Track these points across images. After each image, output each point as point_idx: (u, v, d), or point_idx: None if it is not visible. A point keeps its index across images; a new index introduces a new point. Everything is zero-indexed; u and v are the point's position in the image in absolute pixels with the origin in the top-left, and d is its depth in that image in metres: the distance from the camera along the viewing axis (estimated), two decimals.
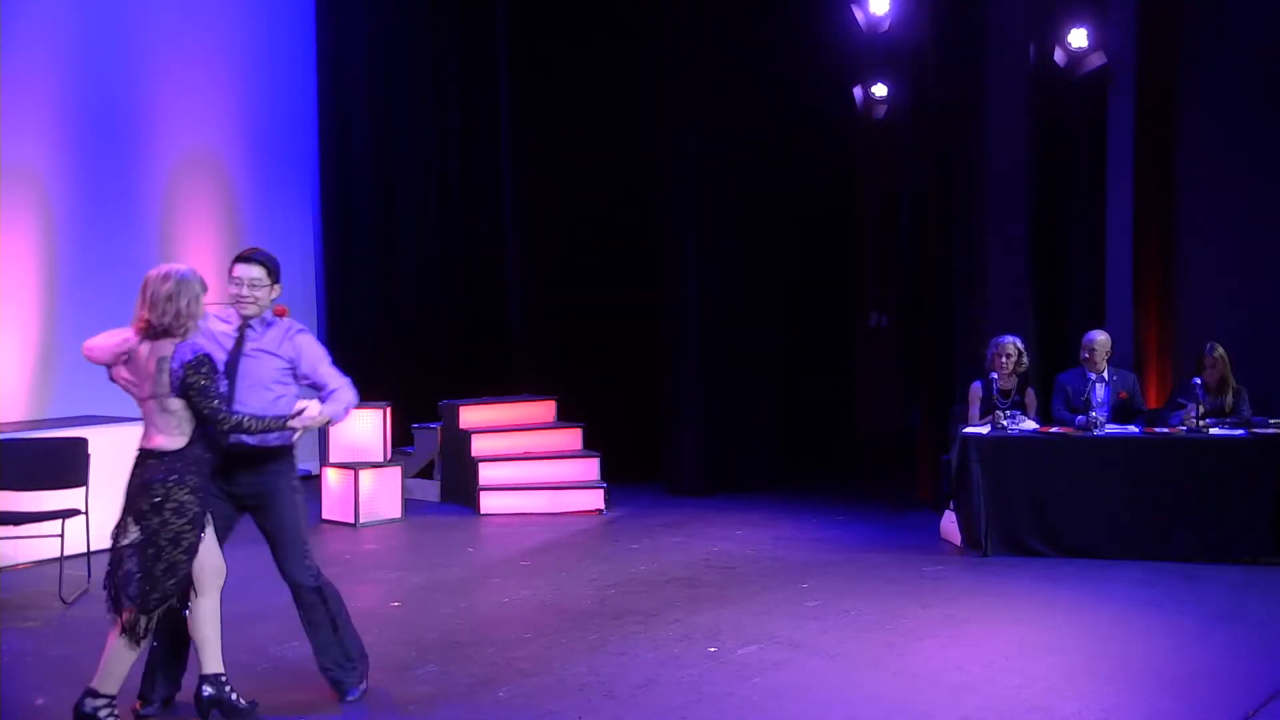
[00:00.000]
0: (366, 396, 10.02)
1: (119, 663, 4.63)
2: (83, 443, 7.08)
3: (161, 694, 4.97)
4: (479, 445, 9.76)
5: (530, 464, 9.76)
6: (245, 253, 5.00)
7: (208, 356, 4.58)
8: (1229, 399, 8.21)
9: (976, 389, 8.47)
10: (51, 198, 9.50)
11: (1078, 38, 9.47)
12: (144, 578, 4.55)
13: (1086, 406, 8.03)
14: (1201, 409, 7.85)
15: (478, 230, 11.93)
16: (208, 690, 4.77)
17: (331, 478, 9.18)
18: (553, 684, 5.32)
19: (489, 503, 9.46)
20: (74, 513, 6.83)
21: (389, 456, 9.37)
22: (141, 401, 4.63)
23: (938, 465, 8.93)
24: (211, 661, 4.79)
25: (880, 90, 11.85)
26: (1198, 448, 7.67)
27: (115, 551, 4.65)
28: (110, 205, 9.84)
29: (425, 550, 8.34)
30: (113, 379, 4.78)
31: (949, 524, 8.15)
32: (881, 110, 12.01)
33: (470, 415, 9.99)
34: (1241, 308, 9.11)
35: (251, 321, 4.93)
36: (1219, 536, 7.51)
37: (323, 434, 9.98)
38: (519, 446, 9.96)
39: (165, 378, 4.52)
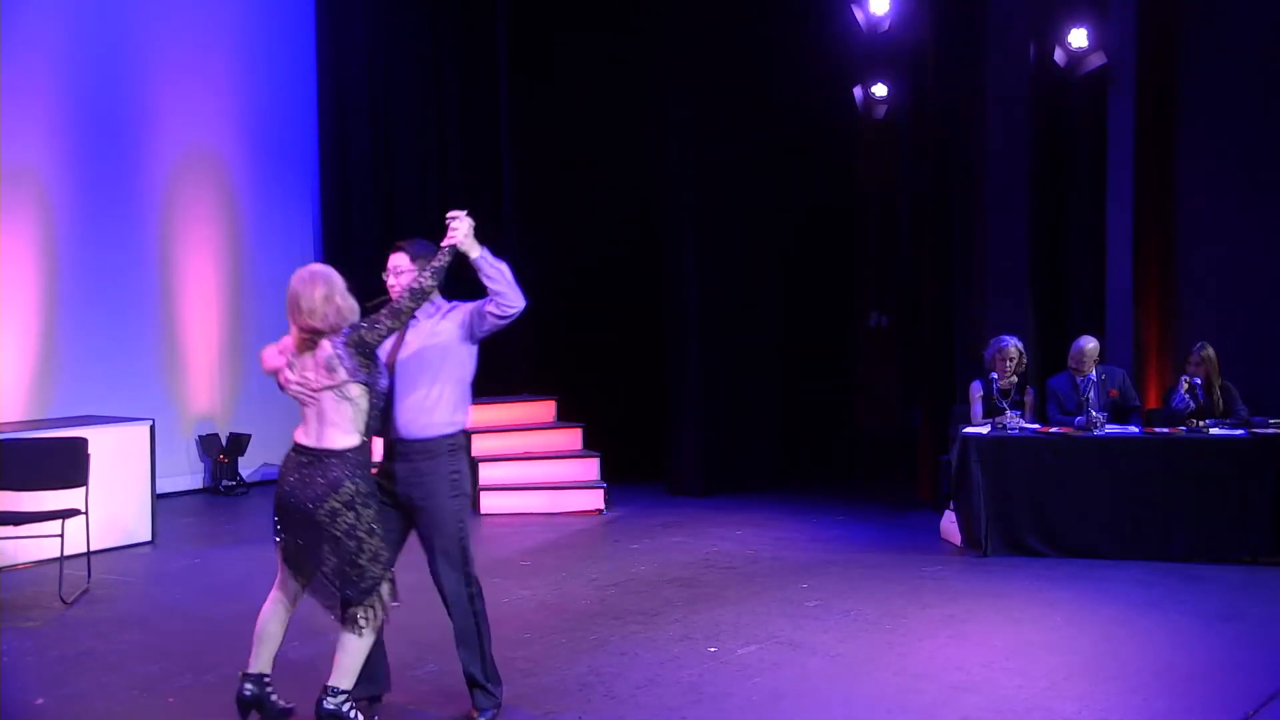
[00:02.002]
0: None
1: (356, 657, 4.68)
2: (83, 443, 7.08)
3: (365, 693, 4.93)
4: (479, 445, 9.76)
5: (530, 464, 9.77)
6: (397, 243, 5.02)
7: (353, 323, 4.61)
8: (1218, 398, 8.21)
9: (977, 388, 8.47)
10: (51, 198, 9.51)
11: (1078, 38, 9.47)
12: (353, 570, 4.62)
13: (1080, 409, 8.03)
14: (1195, 407, 7.86)
15: (477, 230, 11.90)
16: (249, 689, 4.75)
17: None
18: (553, 684, 5.32)
19: (489, 503, 9.46)
20: (74, 513, 6.82)
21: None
22: (313, 401, 4.63)
23: (938, 465, 8.93)
24: (264, 662, 4.78)
25: (880, 90, 11.85)
26: (1198, 448, 7.67)
27: (309, 560, 4.68)
28: (110, 205, 9.85)
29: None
30: (282, 388, 4.81)
31: (949, 524, 8.15)
32: (881, 110, 12.02)
33: (472, 415, 9.97)
34: (1241, 308, 9.11)
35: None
36: (1219, 536, 7.51)
37: None
38: (519, 446, 9.97)
39: (340, 367, 4.54)
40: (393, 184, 11.43)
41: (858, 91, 11.66)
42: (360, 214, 11.21)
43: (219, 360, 10.56)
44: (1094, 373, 8.21)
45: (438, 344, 4.88)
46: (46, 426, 7.98)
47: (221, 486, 10.18)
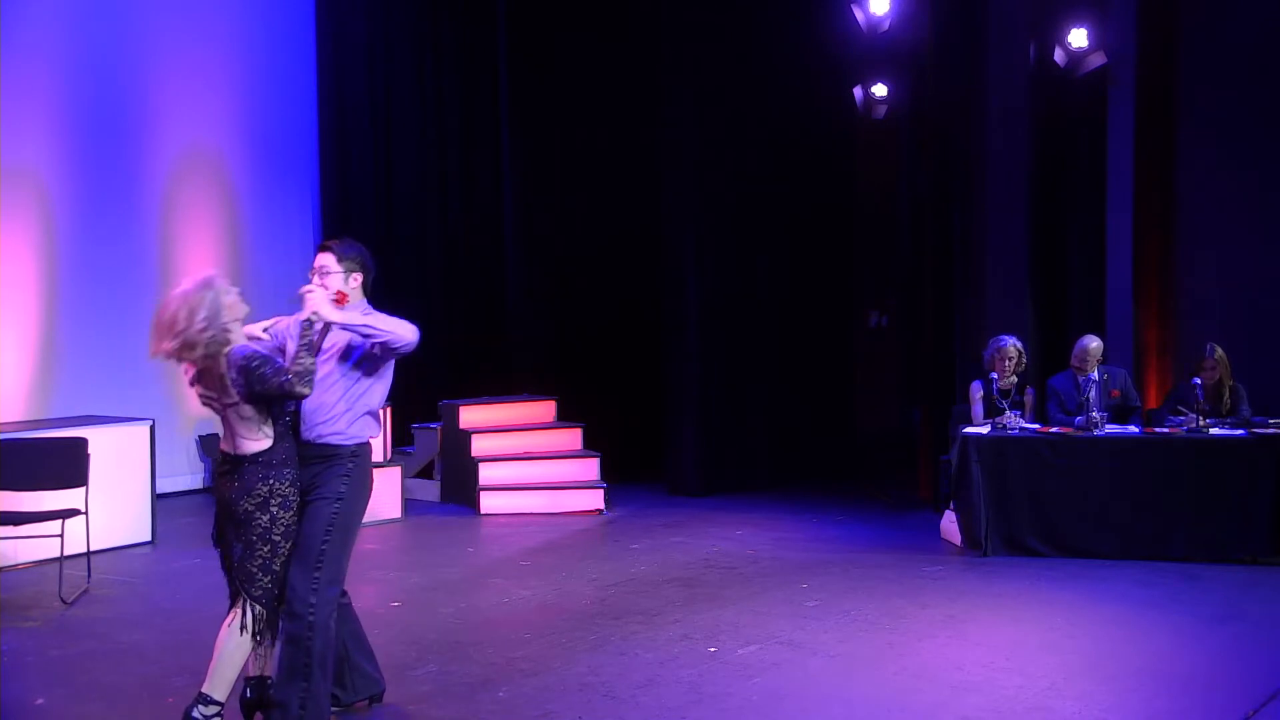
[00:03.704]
0: None
1: (232, 664, 4.61)
2: (83, 443, 7.08)
3: (366, 693, 4.97)
4: (479, 445, 9.76)
5: (530, 464, 9.76)
6: (324, 242, 4.90)
7: (254, 353, 4.47)
8: (1226, 399, 8.21)
9: (977, 389, 8.48)
10: (52, 198, 9.51)
11: (1078, 37, 9.47)
12: (265, 576, 4.57)
13: (1081, 409, 8.03)
14: (1201, 408, 7.85)
15: (477, 230, 11.93)
16: (250, 693, 4.71)
17: None
18: (553, 684, 5.32)
19: (489, 503, 9.46)
20: (74, 513, 6.82)
21: (389, 456, 9.37)
22: (220, 412, 4.56)
23: (938, 465, 8.93)
24: (261, 663, 4.73)
25: (880, 90, 11.85)
26: (1198, 448, 7.67)
27: (225, 558, 4.73)
28: (110, 205, 9.85)
29: (425, 550, 8.34)
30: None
31: (949, 524, 8.15)
32: (881, 110, 12.01)
33: (470, 415, 9.99)
34: (1241, 308, 9.12)
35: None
36: (1219, 536, 7.51)
37: None
38: (519, 446, 9.96)
39: (231, 389, 4.45)
40: (393, 184, 11.43)
41: (858, 91, 11.65)
42: (360, 214, 11.21)
43: None
44: (1096, 373, 8.21)
45: (350, 340, 4.72)
46: (46, 426, 7.98)
47: None
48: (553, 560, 7.87)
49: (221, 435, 4.68)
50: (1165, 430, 7.92)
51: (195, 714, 4.52)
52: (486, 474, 9.59)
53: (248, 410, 4.48)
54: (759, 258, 10.56)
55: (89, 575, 7.03)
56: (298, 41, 10.97)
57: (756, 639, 5.94)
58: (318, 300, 4.56)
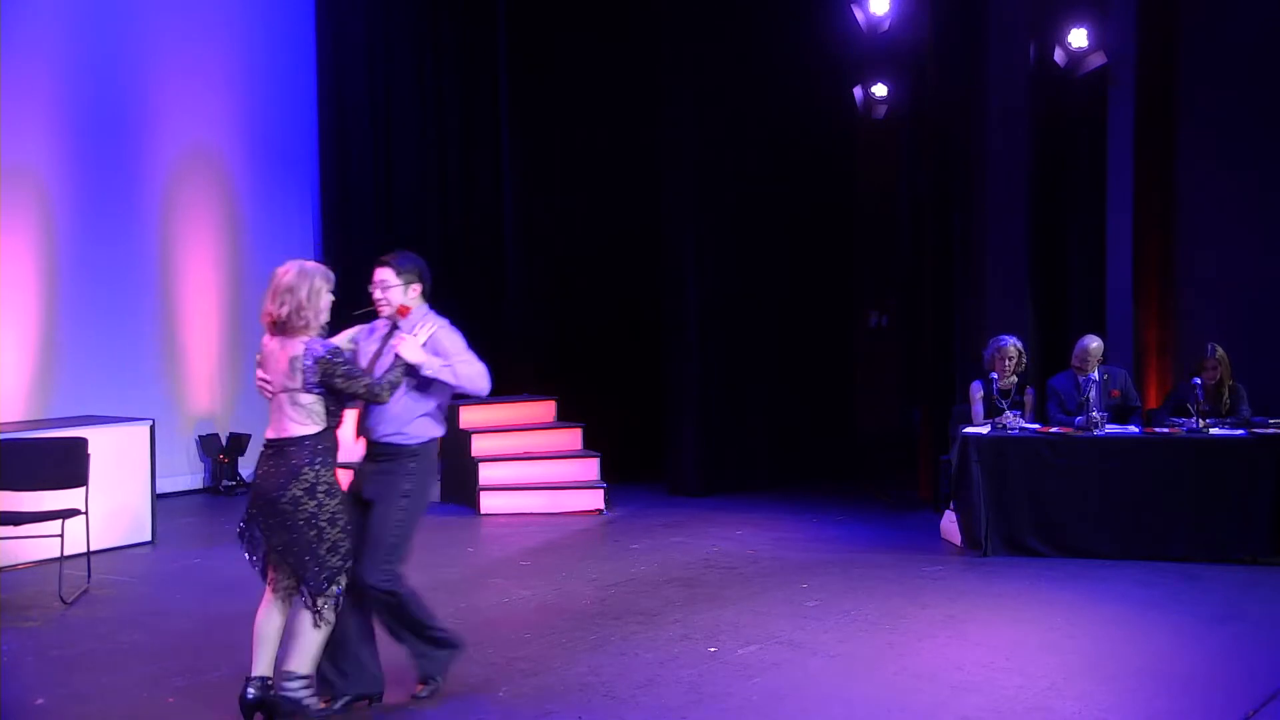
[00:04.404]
0: None
1: (312, 645, 4.69)
2: (83, 443, 7.08)
3: (365, 690, 5.02)
4: (479, 445, 9.76)
5: (530, 464, 9.76)
6: (382, 257, 5.12)
7: (338, 348, 4.75)
8: (1227, 399, 8.21)
9: (977, 388, 8.48)
10: (51, 198, 9.51)
11: (1078, 38, 9.47)
12: (312, 560, 4.63)
13: (1081, 409, 8.03)
14: (1201, 409, 7.86)
15: (477, 230, 11.92)
16: (253, 692, 4.71)
17: None
18: (553, 684, 5.32)
19: (489, 503, 9.46)
20: (74, 513, 6.82)
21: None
22: (270, 397, 4.72)
23: (938, 465, 8.93)
24: (265, 664, 4.75)
25: (880, 90, 11.84)
26: (1198, 448, 7.67)
27: (260, 546, 4.71)
28: (110, 205, 9.85)
29: (425, 550, 8.27)
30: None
31: (949, 524, 8.15)
32: (881, 110, 12.00)
33: (470, 415, 9.99)
34: (1242, 307, 9.12)
35: (398, 322, 5.04)
36: (1219, 536, 7.51)
37: None
38: (519, 446, 9.96)
39: (299, 375, 4.62)
40: (393, 184, 11.42)
41: (858, 91, 11.65)
42: (360, 214, 11.21)
43: (219, 360, 10.56)
44: (1096, 373, 8.20)
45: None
46: (46, 426, 7.97)
47: (221, 486, 10.18)
48: (553, 560, 7.87)
49: (269, 422, 4.76)
50: (1165, 430, 7.92)
51: (285, 689, 4.65)
52: (486, 474, 9.59)
53: (306, 399, 4.65)
54: (759, 258, 10.56)
55: (89, 575, 7.03)
56: (298, 41, 10.97)
57: (756, 639, 5.94)
58: (410, 351, 4.87)
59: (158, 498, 8.42)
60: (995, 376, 8.29)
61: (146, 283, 10.12)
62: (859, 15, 9.77)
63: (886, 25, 9.78)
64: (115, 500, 7.91)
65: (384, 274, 5.02)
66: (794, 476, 10.53)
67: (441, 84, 11.68)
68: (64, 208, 9.57)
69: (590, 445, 10.04)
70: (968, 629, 6.14)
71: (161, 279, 10.23)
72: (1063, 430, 7.93)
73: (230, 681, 5.30)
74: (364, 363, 4.96)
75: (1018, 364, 8.37)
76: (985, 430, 7.98)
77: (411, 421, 4.96)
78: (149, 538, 8.22)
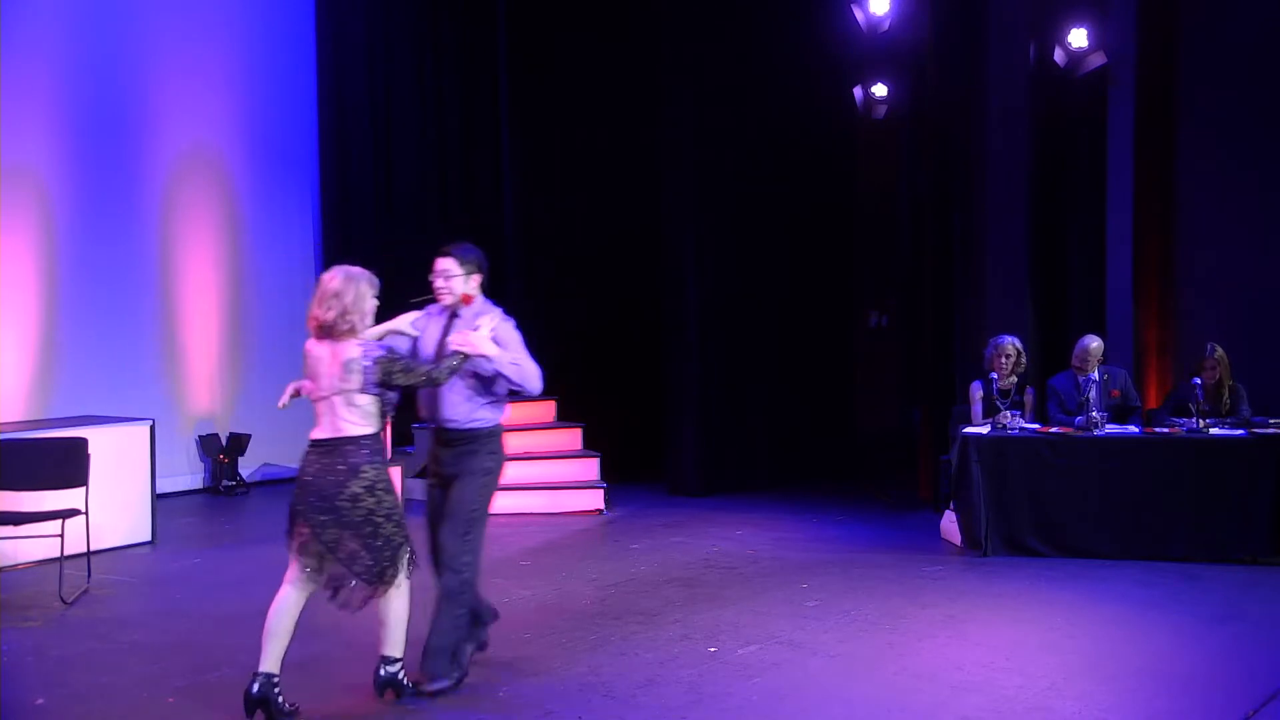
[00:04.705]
0: None
1: (398, 626, 4.96)
2: (83, 443, 7.08)
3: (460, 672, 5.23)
4: None
5: (530, 464, 9.76)
6: (445, 248, 5.33)
7: (392, 348, 5.01)
8: (1226, 399, 8.21)
9: (976, 389, 8.48)
10: (52, 198, 9.51)
11: (1078, 38, 9.47)
12: (366, 553, 4.80)
13: (1081, 409, 8.03)
14: (1201, 409, 7.86)
15: (477, 230, 11.89)
16: (257, 688, 4.81)
17: None
18: (553, 684, 5.32)
19: None
20: (74, 513, 6.82)
21: (389, 456, 9.31)
22: (322, 398, 4.87)
23: (938, 465, 8.93)
24: (272, 660, 4.85)
25: (880, 90, 11.85)
26: (1198, 448, 7.67)
27: (319, 540, 4.81)
28: (110, 205, 9.86)
29: (425, 551, 8.32)
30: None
31: (949, 524, 8.15)
32: (881, 110, 12.01)
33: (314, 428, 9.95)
34: (1242, 308, 9.12)
35: (458, 310, 5.27)
36: (1219, 536, 7.51)
37: None
38: (519, 446, 9.94)
39: (357, 376, 4.79)
40: (393, 184, 11.43)
41: (858, 91, 11.66)
42: (360, 214, 11.22)
43: (219, 360, 10.56)
44: (1096, 373, 8.20)
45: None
46: (46, 426, 7.98)
47: (221, 486, 10.18)
48: (553, 560, 7.86)
49: (317, 423, 4.90)
50: (1165, 430, 7.92)
51: (384, 672, 4.96)
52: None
53: (363, 399, 4.82)
54: (759, 258, 10.56)
55: (89, 575, 7.03)
56: (298, 41, 10.97)
57: (756, 639, 5.94)
58: (481, 343, 5.05)
59: (158, 498, 8.42)
60: (995, 376, 8.29)
61: (146, 283, 10.12)
62: (859, 15, 9.77)
63: (886, 25, 9.78)
64: (115, 500, 7.91)
65: (447, 264, 5.22)
66: (794, 476, 10.54)
67: (441, 84, 11.68)
68: (64, 208, 9.58)
69: (590, 445, 10.04)
70: (968, 629, 6.14)
71: (161, 279, 10.23)
72: (1063, 430, 7.93)
73: (230, 681, 5.31)
74: (429, 347, 5.22)
75: (1016, 363, 8.37)
76: (985, 430, 7.98)
77: (481, 407, 5.23)
78: (149, 538, 8.22)
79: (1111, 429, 7.93)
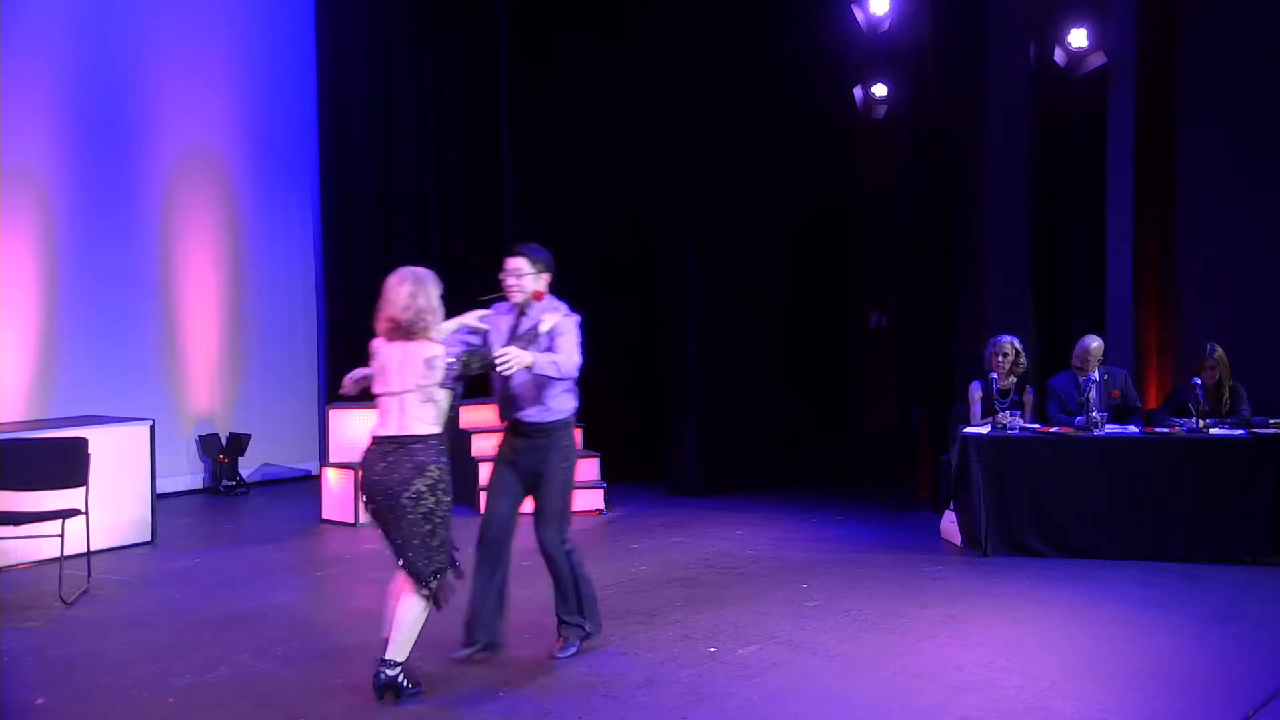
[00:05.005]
0: (366, 396, 10.09)
1: (409, 631, 5.07)
2: (83, 443, 7.08)
3: (483, 639, 5.56)
4: (479, 445, 9.75)
5: None
6: (515, 247, 5.66)
7: (469, 342, 5.39)
8: (1226, 399, 8.21)
9: (976, 389, 8.48)
10: (52, 198, 9.51)
11: (1078, 38, 9.46)
12: (422, 549, 5.02)
13: (1082, 409, 8.03)
14: (1201, 409, 7.85)
15: (478, 230, 11.92)
16: (385, 675, 5.04)
17: (331, 478, 9.18)
18: (553, 684, 5.32)
19: None
20: (74, 513, 6.82)
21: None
22: (391, 396, 5.05)
23: (938, 465, 8.93)
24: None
25: (880, 90, 11.83)
26: (1198, 448, 7.67)
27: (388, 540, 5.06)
28: (110, 205, 9.86)
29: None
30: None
31: (949, 524, 8.15)
32: (881, 110, 11.99)
33: (470, 415, 9.98)
34: (1242, 307, 9.12)
35: (526, 307, 5.59)
36: (1219, 536, 7.51)
37: (323, 434, 10.02)
38: None
39: (440, 372, 5.03)
40: (393, 184, 11.43)
41: (858, 91, 11.65)
42: (360, 214, 11.22)
43: (219, 360, 10.56)
44: (1096, 373, 8.20)
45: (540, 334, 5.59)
46: (46, 426, 7.97)
47: (221, 486, 10.18)
48: None
49: (381, 420, 5.08)
50: (1165, 430, 7.92)
51: (383, 675, 5.02)
52: (487, 474, 9.56)
53: (440, 393, 5.05)
54: (759, 258, 10.56)
55: (89, 575, 7.03)
56: (298, 41, 10.98)
57: (756, 639, 5.94)
58: (517, 362, 5.29)
59: (158, 498, 8.43)
60: (995, 376, 8.29)
61: (146, 283, 10.12)
62: (859, 15, 9.77)
63: (886, 25, 9.77)
64: (115, 500, 7.92)
65: (518, 263, 5.55)
66: (794, 476, 10.54)
67: (441, 84, 11.68)
68: (64, 208, 9.58)
69: (590, 445, 10.02)
70: (968, 629, 6.14)
71: (161, 279, 10.23)
72: (1063, 430, 7.93)
73: (230, 681, 5.32)
74: (499, 343, 5.48)
75: (1015, 362, 8.37)
76: (985, 430, 7.98)
77: (553, 399, 5.58)
78: (149, 538, 8.22)
79: (1112, 429, 7.93)
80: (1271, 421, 7.89)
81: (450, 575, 5.12)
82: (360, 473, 5.14)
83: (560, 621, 5.71)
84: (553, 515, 5.64)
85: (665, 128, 10.46)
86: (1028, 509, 7.75)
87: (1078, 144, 9.83)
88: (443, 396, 5.07)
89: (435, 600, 5.08)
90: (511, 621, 6.32)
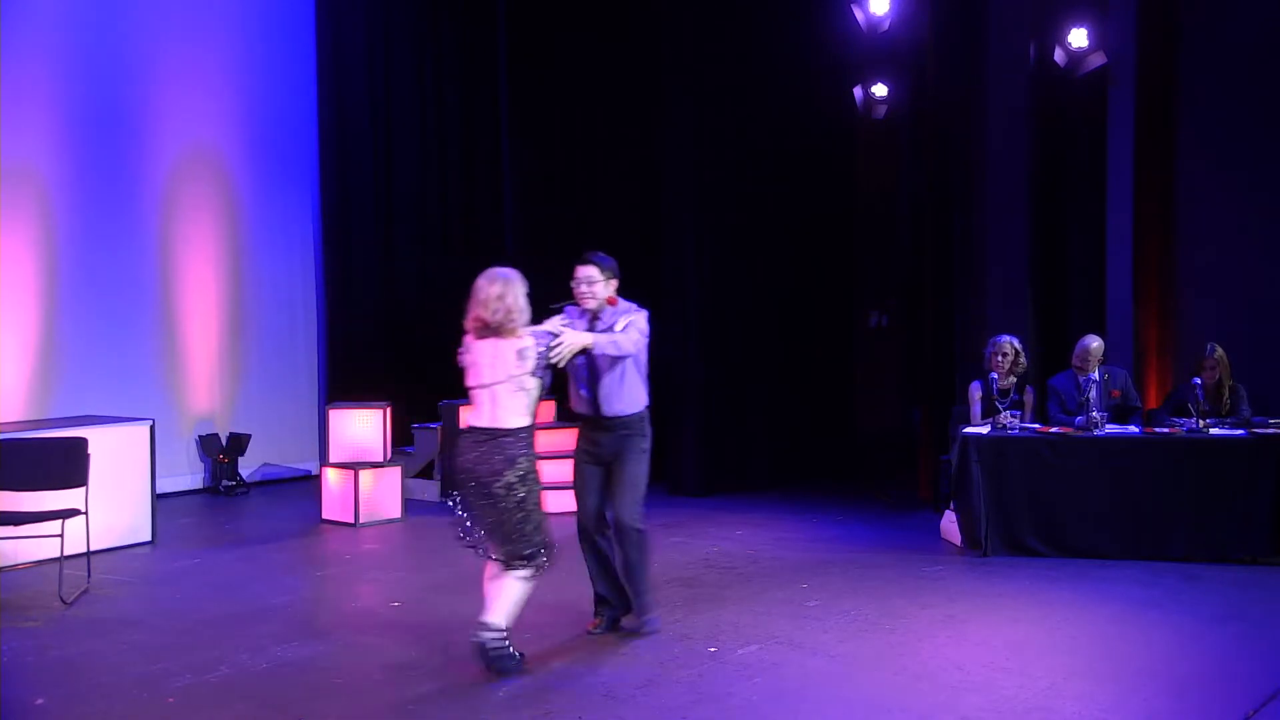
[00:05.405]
0: (366, 396, 10.12)
1: (513, 601, 5.39)
2: (83, 443, 7.08)
3: (610, 612, 6.06)
4: None
5: None
6: (586, 255, 5.96)
7: (552, 333, 5.57)
8: (1226, 399, 8.21)
9: (976, 389, 8.48)
10: (52, 198, 9.52)
11: (1078, 37, 9.46)
12: (517, 536, 5.33)
13: (1082, 409, 8.03)
14: (1201, 409, 7.86)
15: (478, 230, 11.93)
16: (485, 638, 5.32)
17: (331, 478, 9.18)
18: (553, 684, 5.32)
19: None
20: (74, 513, 6.82)
21: (389, 456, 9.37)
22: (484, 388, 5.35)
23: (938, 465, 8.93)
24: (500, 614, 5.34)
25: (880, 90, 11.84)
26: (1198, 448, 7.66)
27: (478, 521, 5.36)
28: (110, 205, 9.86)
29: (425, 550, 8.34)
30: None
31: (949, 524, 8.15)
32: (881, 110, 11.99)
33: (470, 415, 9.97)
34: (1241, 307, 9.11)
35: (600, 314, 5.91)
36: (1219, 536, 7.51)
37: (323, 434, 10.02)
38: None
39: (531, 363, 5.33)
40: (393, 184, 11.44)
41: (858, 91, 11.65)
42: (360, 214, 11.23)
43: (219, 360, 10.57)
44: (1097, 372, 8.20)
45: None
46: (46, 426, 7.98)
47: (221, 486, 10.18)
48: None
49: (474, 413, 5.40)
50: (1165, 430, 7.92)
51: (484, 638, 5.28)
52: None
53: (531, 383, 5.35)
54: (759, 258, 10.56)
55: (89, 575, 7.03)
56: (298, 42, 10.99)
57: (756, 639, 5.94)
58: (576, 343, 5.61)
59: (158, 498, 8.43)
60: (994, 376, 8.29)
61: (147, 283, 10.13)
62: (859, 15, 9.77)
63: (886, 25, 9.77)
64: (115, 500, 7.92)
65: (590, 271, 5.88)
66: (794, 476, 10.54)
67: (441, 84, 11.69)
68: (64, 208, 9.58)
69: None
70: (968, 629, 6.14)
71: (161, 279, 10.23)
72: (1063, 430, 7.93)
73: (230, 681, 5.32)
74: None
75: (1014, 362, 8.37)
76: (985, 430, 7.98)
77: (630, 394, 5.88)
78: (149, 538, 8.23)
79: (1112, 429, 7.93)
80: (1271, 421, 7.89)
81: (547, 554, 5.42)
82: (453, 457, 5.48)
83: (627, 600, 6.03)
84: (631, 497, 5.90)
85: (665, 128, 10.46)
86: (1028, 509, 7.75)
87: (1078, 144, 9.83)
88: (534, 385, 5.35)
89: (537, 571, 5.42)
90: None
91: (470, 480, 5.32)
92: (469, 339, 5.40)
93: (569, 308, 5.89)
